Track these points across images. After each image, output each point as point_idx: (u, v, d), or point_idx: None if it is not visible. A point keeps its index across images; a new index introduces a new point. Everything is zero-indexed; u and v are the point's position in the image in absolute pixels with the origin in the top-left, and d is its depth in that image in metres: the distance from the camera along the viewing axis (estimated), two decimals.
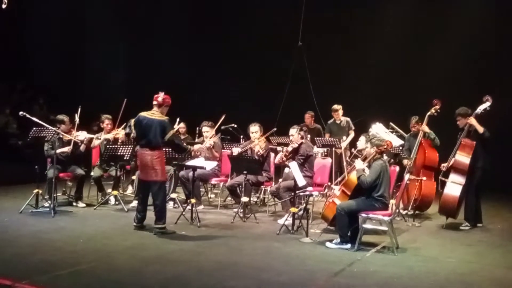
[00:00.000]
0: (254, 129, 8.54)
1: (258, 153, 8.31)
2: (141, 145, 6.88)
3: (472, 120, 7.58)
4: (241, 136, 9.29)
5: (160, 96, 6.88)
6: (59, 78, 15.21)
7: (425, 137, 8.51)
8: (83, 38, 15.50)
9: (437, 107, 8.41)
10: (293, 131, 8.04)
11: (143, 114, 6.87)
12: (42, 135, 8.04)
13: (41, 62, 15.03)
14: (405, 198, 8.39)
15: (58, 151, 8.10)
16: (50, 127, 8.10)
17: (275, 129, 9.09)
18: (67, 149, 8.28)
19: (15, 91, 14.64)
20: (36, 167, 7.90)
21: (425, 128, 8.46)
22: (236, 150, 8.55)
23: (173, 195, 8.59)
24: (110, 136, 8.94)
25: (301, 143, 7.99)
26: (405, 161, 8.59)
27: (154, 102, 6.90)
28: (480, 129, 7.52)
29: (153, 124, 6.75)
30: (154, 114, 6.84)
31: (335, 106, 10.68)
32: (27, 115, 7.97)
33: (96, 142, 8.90)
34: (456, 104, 8.03)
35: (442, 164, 7.85)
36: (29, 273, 5.06)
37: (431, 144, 8.55)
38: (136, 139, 7.05)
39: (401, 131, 9.40)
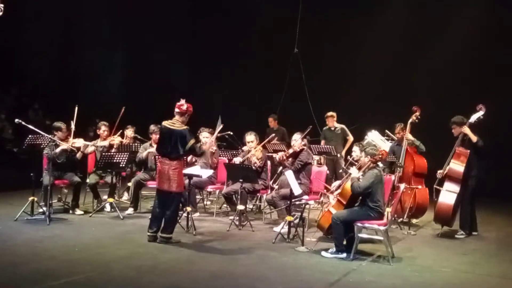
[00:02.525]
0: (250, 139, 8.54)
1: (255, 164, 8.31)
2: (161, 155, 6.90)
3: (466, 129, 7.60)
4: (239, 147, 9.29)
5: (184, 104, 6.83)
6: (55, 84, 15.18)
7: (409, 144, 8.54)
8: (79, 43, 15.46)
9: (417, 113, 8.48)
10: (297, 136, 8.04)
11: (165, 123, 6.85)
12: (37, 142, 8.01)
13: (37, 67, 14.98)
14: (399, 207, 8.39)
15: (58, 149, 8.09)
16: (46, 135, 8.06)
17: (273, 135, 9.15)
18: (66, 146, 8.21)
19: (10, 95, 14.58)
20: (31, 174, 7.88)
21: (408, 136, 8.49)
22: (237, 160, 8.57)
23: None
24: (105, 143, 8.94)
25: (303, 149, 8.00)
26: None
27: (177, 110, 6.84)
28: (474, 138, 7.55)
29: (173, 135, 6.72)
30: (175, 124, 6.79)
31: (329, 113, 10.73)
32: (23, 123, 7.94)
33: (90, 149, 8.86)
34: (451, 111, 8.07)
35: (439, 171, 7.86)
36: (23, 283, 5.06)
37: (417, 152, 8.58)
38: (158, 147, 7.08)
39: (396, 139, 9.41)
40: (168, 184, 6.75)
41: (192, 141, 6.76)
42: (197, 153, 7.10)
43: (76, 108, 8.43)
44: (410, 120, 8.47)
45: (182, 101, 6.87)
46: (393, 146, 8.87)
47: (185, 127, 6.80)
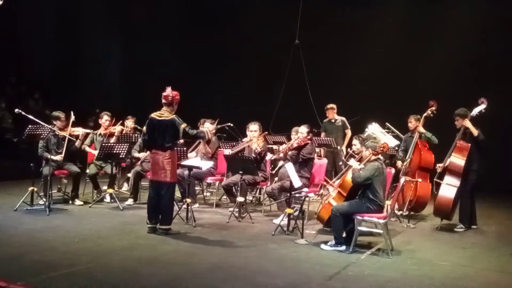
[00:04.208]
0: (254, 128, 8.53)
1: (256, 150, 8.29)
2: (153, 148, 6.84)
3: (467, 123, 7.59)
4: (240, 138, 9.25)
5: (170, 94, 6.75)
6: (54, 73, 15.14)
7: (420, 138, 8.53)
8: (78, 33, 15.41)
9: (433, 108, 8.46)
10: (304, 130, 7.93)
11: (154, 116, 6.80)
12: (37, 132, 8.00)
13: (37, 56, 14.94)
14: (400, 199, 8.41)
15: (54, 157, 8.13)
16: (46, 125, 8.05)
17: (265, 132, 9.09)
18: (59, 157, 8.24)
19: (9, 84, 14.54)
20: (31, 164, 7.88)
21: (420, 128, 8.50)
22: (227, 152, 8.55)
23: None
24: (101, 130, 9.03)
25: (307, 143, 7.96)
26: (399, 163, 8.58)
27: (164, 101, 6.78)
28: (475, 132, 7.54)
29: (162, 126, 6.70)
30: (163, 114, 6.76)
31: (329, 105, 10.72)
32: (23, 113, 7.94)
33: (87, 148, 8.92)
34: (454, 105, 8.04)
35: (438, 165, 7.88)
36: (24, 274, 5.05)
37: (427, 145, 8.57)
38: (147, 141, 6.99)
39: (397, 132, 9.41)
40: (164, 174, 6.75)
41: (183, 126, 6.74)
42: (192, 136, 6.99)
43: (73, 115, 8.36)
44: (425, 114, 8.49)
45: (168, 91, 6.78)
46: (406, 138, 8.85)
47: (173, 115, 6.76)
